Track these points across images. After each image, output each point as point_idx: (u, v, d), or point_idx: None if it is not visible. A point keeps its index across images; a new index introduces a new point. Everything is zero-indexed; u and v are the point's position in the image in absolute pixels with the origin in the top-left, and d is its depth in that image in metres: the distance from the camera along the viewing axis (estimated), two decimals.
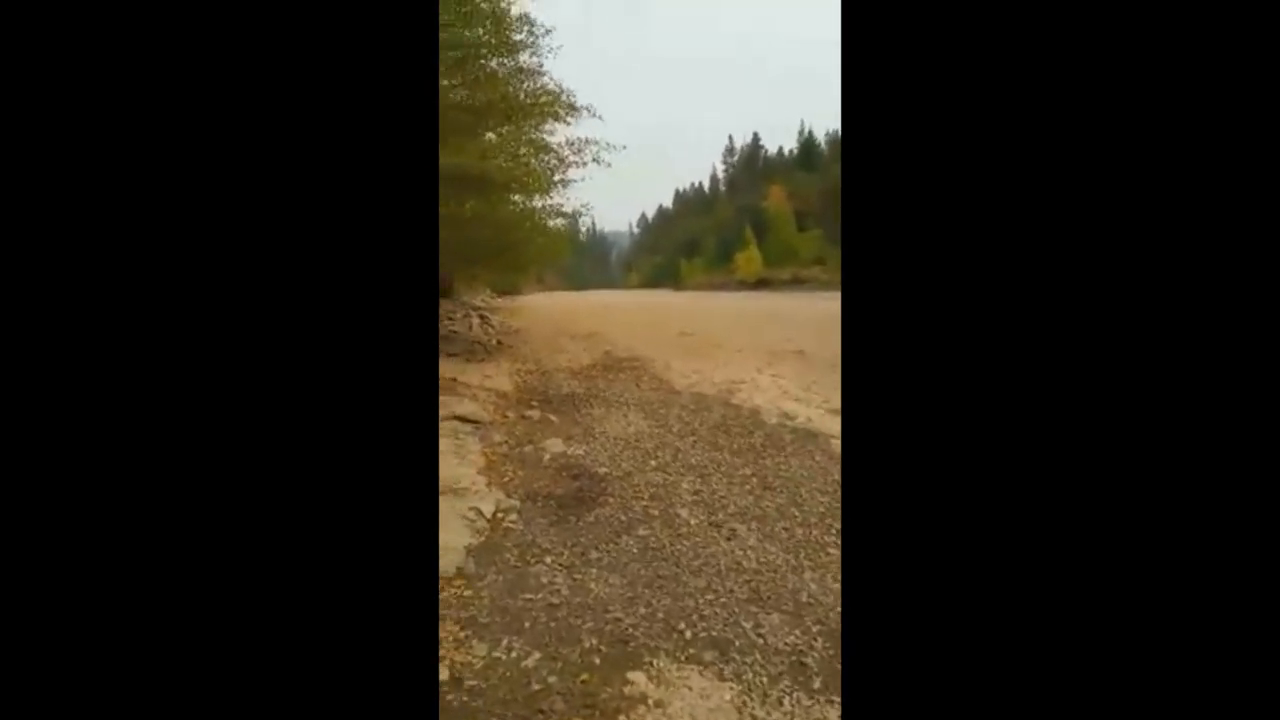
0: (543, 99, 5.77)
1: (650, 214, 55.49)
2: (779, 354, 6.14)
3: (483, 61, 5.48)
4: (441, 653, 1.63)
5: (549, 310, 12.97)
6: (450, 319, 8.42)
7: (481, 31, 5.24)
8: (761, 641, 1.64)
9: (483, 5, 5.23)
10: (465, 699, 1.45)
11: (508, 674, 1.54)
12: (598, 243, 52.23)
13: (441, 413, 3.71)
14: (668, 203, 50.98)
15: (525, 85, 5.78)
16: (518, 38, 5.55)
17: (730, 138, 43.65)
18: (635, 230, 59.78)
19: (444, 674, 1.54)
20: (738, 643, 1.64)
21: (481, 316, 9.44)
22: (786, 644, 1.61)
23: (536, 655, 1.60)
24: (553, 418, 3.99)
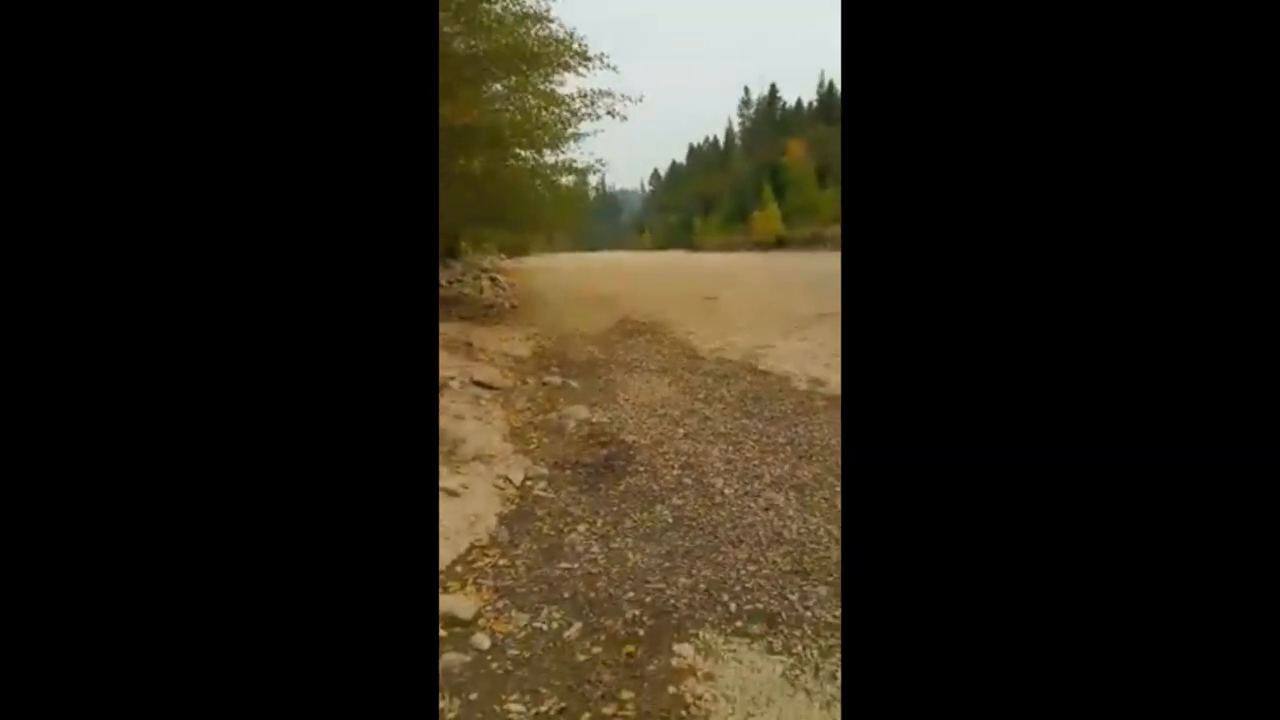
0: (552, 47, 5.43)
1: (663, 170, 54.22)
2: (805, 317, 5.98)
3: (486, 5, 5.11)
4: (481, 621, 1.61)
5: (561, 272, 12.82)
6: (460, 281, 8.32)
7: None
8: (810, 615, 1.60)
9: None
10: (510, 668, 1.43)
11: (551, 645, 1.51)
12: (608, 201, 51.19)
13: (459, 378, 3.67)
14: (681, 159, 49.69)
15: (533, 31, 5.43)
16: None
17: (746, 89, 41.98)
18: (647, 188, 58.53)
19: (485, 642, 1.52)
20: (785, 615, 1.60)
21: (492, 279, 9.32)
22: (836, 617, 1.57)
23: (578, 625, 1.58)
24: (574, 383, 3.93)
